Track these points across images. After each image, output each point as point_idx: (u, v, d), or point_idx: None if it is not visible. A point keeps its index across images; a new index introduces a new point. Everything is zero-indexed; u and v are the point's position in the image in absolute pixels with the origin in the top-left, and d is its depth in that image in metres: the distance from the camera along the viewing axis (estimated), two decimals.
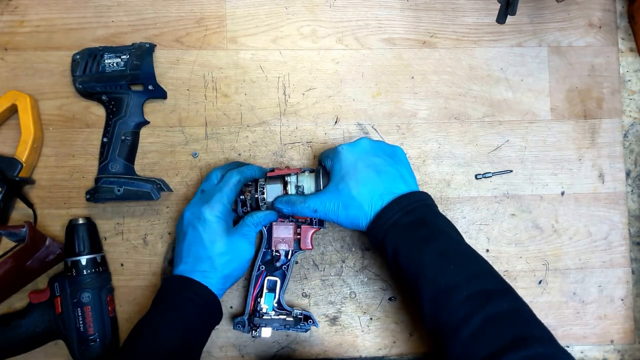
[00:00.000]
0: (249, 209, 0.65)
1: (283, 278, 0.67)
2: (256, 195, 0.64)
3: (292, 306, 0.68)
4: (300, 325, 0.66)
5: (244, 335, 0.69)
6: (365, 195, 0.58)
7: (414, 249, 0.55)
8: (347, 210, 0.59)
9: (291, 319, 0.65)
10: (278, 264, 0.67)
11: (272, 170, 0.67)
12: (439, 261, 0.54)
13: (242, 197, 0.65)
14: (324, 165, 0.64)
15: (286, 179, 0.64)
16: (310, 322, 0.66)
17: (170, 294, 0.59)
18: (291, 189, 0.64)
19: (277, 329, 0.66)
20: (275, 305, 0.66)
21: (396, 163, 0.61)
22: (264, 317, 0.65)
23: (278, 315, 0.66)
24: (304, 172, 0.65)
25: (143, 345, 0.56)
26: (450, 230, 0.58)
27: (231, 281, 0.64)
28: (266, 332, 0.65)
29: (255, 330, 0.65)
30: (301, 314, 0.66)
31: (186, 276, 0.60)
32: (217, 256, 0.61)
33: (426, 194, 0.60)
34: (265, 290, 0.66)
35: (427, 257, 0.54)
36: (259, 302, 0.66)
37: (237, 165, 0.67)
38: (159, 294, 0.61)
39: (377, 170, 0.59)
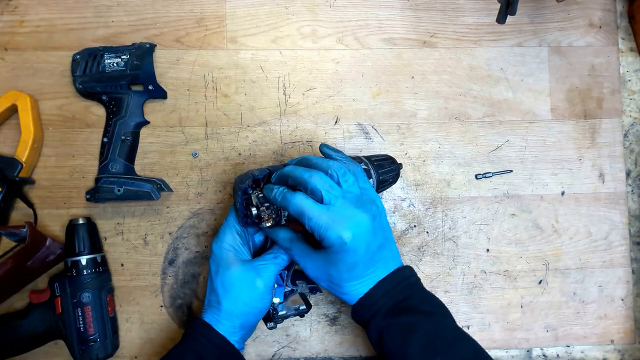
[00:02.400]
0: (273, 222, 0.57)
1: (289, 267, 0.64)
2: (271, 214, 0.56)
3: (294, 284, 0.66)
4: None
5: None
6: (356, 287, 0.55)
7: (398, 338, 0.52)
8: (336, 294, 0.56)
9: (304, 307, 0.64)
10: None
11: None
12: (424, 350, 0.51)
13: (255, 211, 0.56)
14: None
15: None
16: (315, 292, 0.65)
17: (187, 339, 0.57)
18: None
19: (291, 317, 0.65)
20: (286, 291, 0.63)
21: (387, 240, 0.56)
22: (279, 312, 0.63)
23: (287, 306, 0.64)
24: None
25: None
26: (435, 309, 0.55)
27: (246, 328, 0.59)
28: (280, 321, 0.64)
29: (271, 322, 0.63)
30: (307, 287, 0.65)
31: (203, 320, 0.57)
32: (221, 291, 0.57)
33: (409, 268, 0.57)
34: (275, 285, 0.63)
35: (411, 347, 0.51)
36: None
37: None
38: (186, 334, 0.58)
39: (373, 259, 0.54)
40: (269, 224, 0.56)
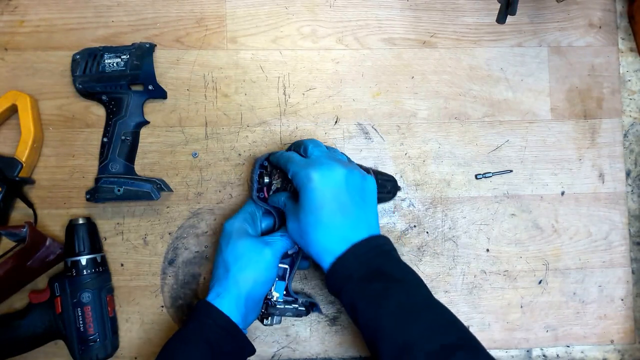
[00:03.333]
0: (280, 187, 0.64)
1: (292, 266, 0.65)
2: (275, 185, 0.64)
3: (297, 293, 0.67)
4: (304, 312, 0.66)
5: None
6: (326, 237, 0.55)
7: (370, 305, 0.52)
8: (303, 241, 0.57)
9: (303, 308, 0.65)
10: (290, 252, 0.65)
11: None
12: (397, 317, 0.51)
13: (267, 179, 0.64)
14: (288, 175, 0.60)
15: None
16: (316, 308, 0.66)
17: (190, 321, 0.58)
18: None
19: (288, 316, 0.65)
20: (285, 292, 0.65)
21: (364, 203, 0.58)
22: (277, 306, 0.64)
23: (286, 304, 0.64)
24: None
25: None
26: (407, 276, 0.55)
27: (250, 303, 0.59)
28: (277, 319, 0.64)
29: (267, 319, 0.64)
30: (307, 302, 0.65)
31: (207, 301, 0.58)
32: (231, 259, 0.58)
33: (385, 237, 0.57)
34: (276, 279, 0.64)
35: (384, 314, 0.51)
36: (270, 291, 0.64)
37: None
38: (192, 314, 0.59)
39: (343, 211, 0.55)
40: (275, 188, 0.63)
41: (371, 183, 0.60)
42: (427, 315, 0.52)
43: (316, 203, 0.55)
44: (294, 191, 0.61)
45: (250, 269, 0.59)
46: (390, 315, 0.51)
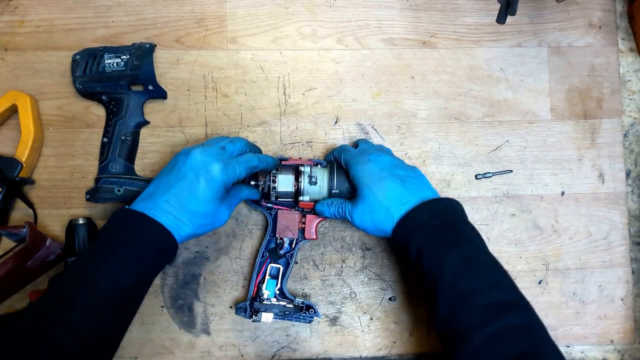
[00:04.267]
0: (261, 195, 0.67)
1: (286, 266, 0.67)
2: (268, 184, 0.65)
3: (294, 296, 0.68)
4: (303, 316, 0.66)
5: (244, 335, 0.69)
6: (392, 200, 0.59)
7: (438, 251, 0.55)
8: (373, 215, 0.60)
9: (292, 306, 0.65)
10: (282, 252, 0.67)
11: (286, 159, 0.68)
12: (461, 267, 0.54)
13: (252, 182, 0.66)
14: (342, 165, 0.65)
15: (300, 168, 0.65)
16: (311, 312, 0.66)
17: (133, 233, 0.56)
18: (304, 178, 0.65)
19: (277, 316, 0.65)
20: (277, 292, 0.66)
21: (418, 176, 0.63)
22: (265, 302, 0.65)
23: (279, 302, 0.66)
24: (316, 164, 0.67)
25: (99, 282, 0.53)
26: (476, 238, 0.58)
27: (191, 238, 0.61)
28: (266, 317, 0.65)
29: (256, 315, 0.65)
30: (303, 303, 0.66)
31: (152, 218, 0.56)
32: (201, 216, 0.59)
33: (457, 201, 0.60)
34: (267, 277, 0.66)
35: (449, 261, 0.54)
36: (261, 288, 0.66)
37: (254, 147, 0.68)
38: (115, 225, 0.57)
39: (401, 179, 0.60)
40: (261, 186, 0.66)
41: (418, 169, 0.64)
42: (490, 271, 0.55)
43: (377, 176, 0.60)
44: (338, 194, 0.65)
45: (208, 228, 0.61)
46: (456, 264, 0.54)
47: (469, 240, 0.57)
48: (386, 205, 0.59)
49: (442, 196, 0.60)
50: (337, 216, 0.64)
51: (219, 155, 0.60)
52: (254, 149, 0.68)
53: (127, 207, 0.58)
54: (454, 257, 0.54)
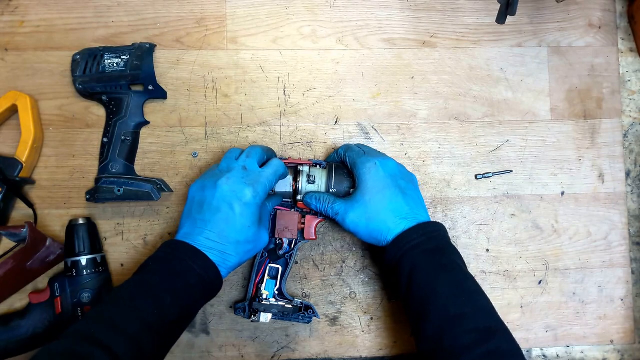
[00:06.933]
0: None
1: (285, 266, 0.67)
2: None
3: (293, 296, 0.68)
4: (301, 317, 0.66)
5: (244, 335, 0.70)
6: (392, 212, 0.60)
7: (430, 273, 0.57)
8: (369, 223, 0.60)
9: (290, 307, 0.65)
10: (281, 252, 0.67)
11: (286, 159, 0.68)
12: (452, 291, 0.56)
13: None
14: (346, 164, 0.65)
15: (299, 168, 0.65)
16: (310, 312, 0.66)
17: (180, 264, 0.56)
18: (303, 178, 0.65)
19: (276, 316, 0.65)
20: (276, 292, 0.66)
21: (416, 191, 0.64)
22: (263, 302, 0.65)
23: (278, 302, 0.65)
24: (315, 165, 0.67)
25: (145, 314, 0.52)
26: (462, 264, 0.60)
27: (237, 267, 0.61)
28: (265, 317, 0.65)
29: (255, 315, 0.65)
30: (301, 303, 0.66)
31: (200, 250, 0.56)
32: (245, 243, 0.59)
33: (443, 225, 0.62)
34: (266, 277, 0.66)
35: (441, 284, 0.56)
36: (260, 289, 0.66)
37: (268, 150, 0.67)
38: (164, 256, 0.57)
39: (403, 192, 0.61)
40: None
41: (415, 178, 0.66)
42: (477, 298, 0.57)
43: (381, 183, 0.61)
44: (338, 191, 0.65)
45: (253, 253, 0.62)
46: (448, 287, 0.56)
47: (457, 265, 0.58)
48: (384, 217, 0.60)
49: (432, 219, 0.62)
50: (324, 213, 0.63)
51: (245, 179, 0.59)
52: (268, 152, 0.66)
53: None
54: (445, 282, 0.56)
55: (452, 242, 0.61)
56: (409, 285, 0.57)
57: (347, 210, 0.61)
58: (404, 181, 0.63)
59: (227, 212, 0.58)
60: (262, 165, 0.63)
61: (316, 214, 0.67)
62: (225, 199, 0.58)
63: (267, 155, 0.65)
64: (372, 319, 0.71)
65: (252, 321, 0.65)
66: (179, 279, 0.55)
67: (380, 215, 0.60)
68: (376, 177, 0.61)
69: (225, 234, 0.57)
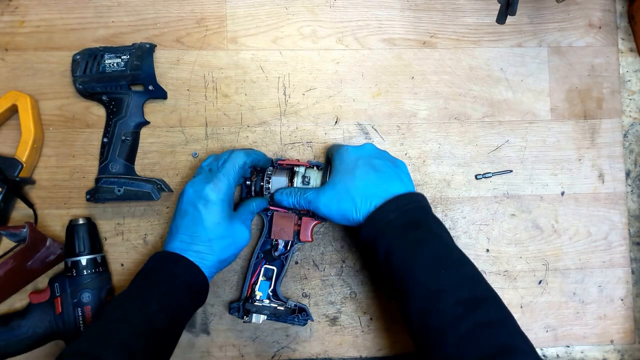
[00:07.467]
0: (252, 195, 0.67)
1: (281, 268, 0.67)
2: (261, 184, 0.66)
3: (288, 298, 0.68)
4: (296, 319, 0.66)
5: (244, 335, 0.70)
6: (360, 189, 0.58)
7: (407, 251, 0.55)
8: (339, 203, 0.59)
9: (282, 309, 0.65)
10: (276, 254, 0.67)
11: (283, 160, 0.68)
12: (431, 265, 0.54)
13: (247, 182, 0.66)
14: (330, 160, 0.65)
15: (295, 169, 0.66)
16: (304, 314, 0.66)
17: (162, 271, 0.58)
18: (298, 179, 0.65)
19: (269, 317, 0.65)
20: (271, 294, 0.66)
21: (396, 167, 0.62)
22: (256, 303, 0.65)
23: (271, 303, 0.65)
24: (312, 166, 0.67)
25: (133, 322, 0.53)
26: (443, 233, 0.58)
27: (224, 265, 0.63)
28: (257, 318, 0.65)
29: (247, 316, 0.65)
30: (295, 305, 0.66)
31: (179, 254, 0.58)
32: (217, 239, 0.60)
33: (421, 195, 0.60)
34: (261, 278, 0.66)
35: (419, 260, 0.54)
36: (255, 289, 0.66)
37: (253, 153, 0.67)
38: (147, 267, 0.59)
39: (375, 169, 0.60)
40: (254, 188, 0.67)
41: (402, 162, 0.64)
42: (459, 268, 0.55)
43: (352, 164, 0.60)
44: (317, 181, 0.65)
45: (232, 249, 0.62)
46: (426, 262, 0.54)
47: (436, 235, 0.56)
48: (352, 195, 0.58)
49: (417, 190, 0.61)
50: (297, 206, 0.63)
51: (207, 178, 0.61)
52: (252, 154, 0.65)
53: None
54: (423, 257, 0.54)
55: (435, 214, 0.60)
56: (388, 268, 0.56)
57: (318, 195, 0.61)
58: (380, 160, 0.61)
59: (193, 213, 0.60)
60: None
61: (313, 215, 0.67)
62: (190, 201, 0.60)
63: (253, 157, 0.64)
64: (372, 319, 0.71)
65: (244, 321, 0.65)
66: (163, 285, 0.56)
67: (350, 193, 0.58)
68: (347, 159, 0.61)
69: (196, 234, 0.59)
